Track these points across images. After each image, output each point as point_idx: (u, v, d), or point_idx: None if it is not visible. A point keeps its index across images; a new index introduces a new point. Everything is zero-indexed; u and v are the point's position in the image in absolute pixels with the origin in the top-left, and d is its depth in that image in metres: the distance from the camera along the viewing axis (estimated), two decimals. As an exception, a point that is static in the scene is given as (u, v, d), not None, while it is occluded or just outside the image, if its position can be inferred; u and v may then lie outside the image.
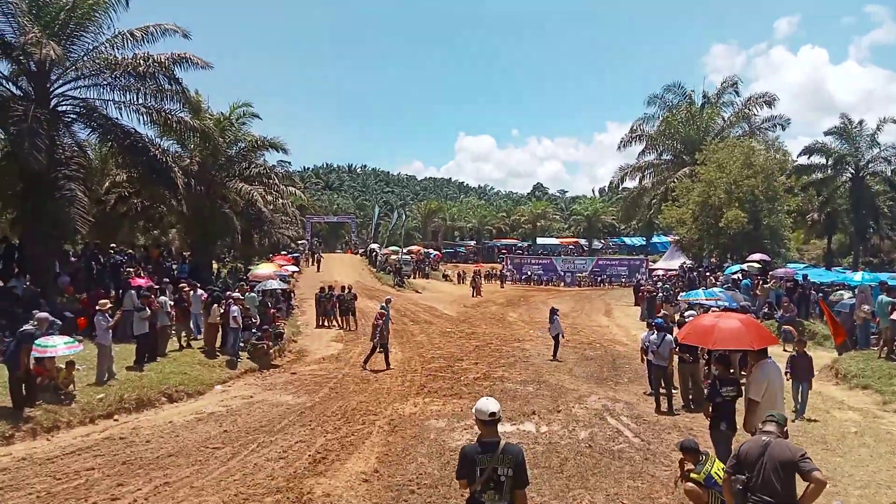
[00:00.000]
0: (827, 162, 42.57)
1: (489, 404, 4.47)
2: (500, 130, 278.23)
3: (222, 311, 15.69)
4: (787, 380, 9.75)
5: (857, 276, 19.25)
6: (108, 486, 7.57)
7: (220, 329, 15.88)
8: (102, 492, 7.38)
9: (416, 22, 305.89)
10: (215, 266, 32.36)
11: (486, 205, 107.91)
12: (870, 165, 42.06)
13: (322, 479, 7.90)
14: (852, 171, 42.23)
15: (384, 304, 16.72)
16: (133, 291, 14.13)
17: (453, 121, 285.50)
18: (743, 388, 7.73)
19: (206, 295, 16.75)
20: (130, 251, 23.47)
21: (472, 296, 37.49)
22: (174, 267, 22.78)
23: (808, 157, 42.64)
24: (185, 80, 19.07)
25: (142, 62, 17.71)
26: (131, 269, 17.65)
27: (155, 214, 28.97)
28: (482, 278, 43.78)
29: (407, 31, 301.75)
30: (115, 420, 10.57)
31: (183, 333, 16.18)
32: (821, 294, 19.41)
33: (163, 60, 18.33)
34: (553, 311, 17.49)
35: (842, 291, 19.09)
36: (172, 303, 15.66)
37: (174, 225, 32.89)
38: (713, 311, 13.23)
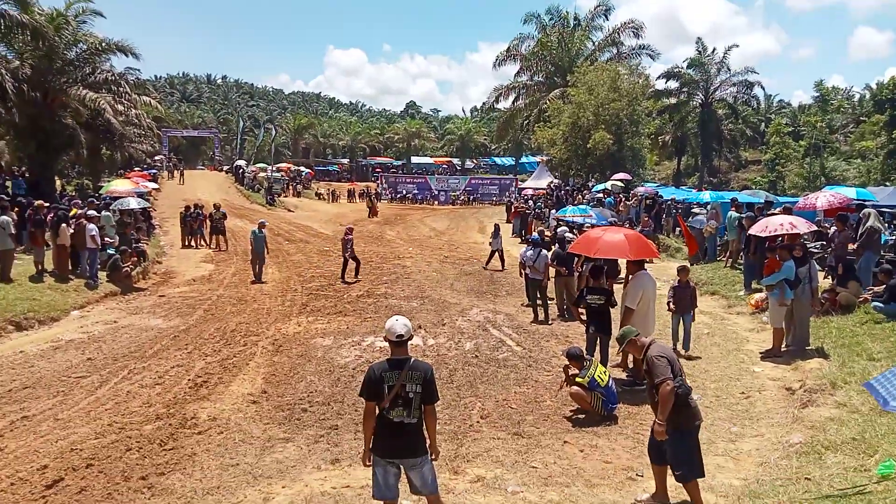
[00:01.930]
0: (680, 87, 45.59)
1: (397, 326, 4.32)
2: (372, 45, 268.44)
3: (72, 230, 14.12)
4: (669, 310, 9.51)
5: (706, 196, 21.04)
6: (-48, 425, 6.72)
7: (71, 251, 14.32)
8: (-55, 432, 6.54)
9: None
10: (59, 183, 29.03)
11: (358, 122, 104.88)
12: (716, 92, 45.63)
13: (206, 403, 7.54)
14: (702, 96, 45.60)
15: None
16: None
17: (322, 33, 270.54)
18: (611, 298, 8.50)
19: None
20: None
21: (369, 216, 35.25)
22: (6, 182, 20.10)
23: (666, 82, 45.38)
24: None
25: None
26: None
27: (-23, 123, 25.14)
28: (376, 197, 41.62)
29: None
30: (-48, 353, 9.35)
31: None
32: (676, 211, 21.10)
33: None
34: (497, 227, 18.53)
35: (696, 210, 20.87)
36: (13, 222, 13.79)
37: (3, 136, 28.81)
38: (588, 227, 13.93)
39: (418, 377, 4.27)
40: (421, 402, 4.29)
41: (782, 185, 43.92)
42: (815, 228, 13.85)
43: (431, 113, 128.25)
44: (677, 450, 4.79)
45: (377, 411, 4.29)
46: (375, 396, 4.26)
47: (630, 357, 8.06)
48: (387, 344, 4.46)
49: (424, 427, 4.37)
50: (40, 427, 6.76)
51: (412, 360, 4.36)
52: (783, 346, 9.25)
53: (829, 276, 11.77)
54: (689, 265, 9.79)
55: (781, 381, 8.14)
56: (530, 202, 28.88)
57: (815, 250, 14.12)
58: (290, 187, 48.77)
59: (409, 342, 4.41)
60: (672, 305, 9.51)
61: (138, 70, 29.56)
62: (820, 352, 8.67)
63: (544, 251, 12.33)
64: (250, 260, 16.24)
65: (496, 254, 18.04)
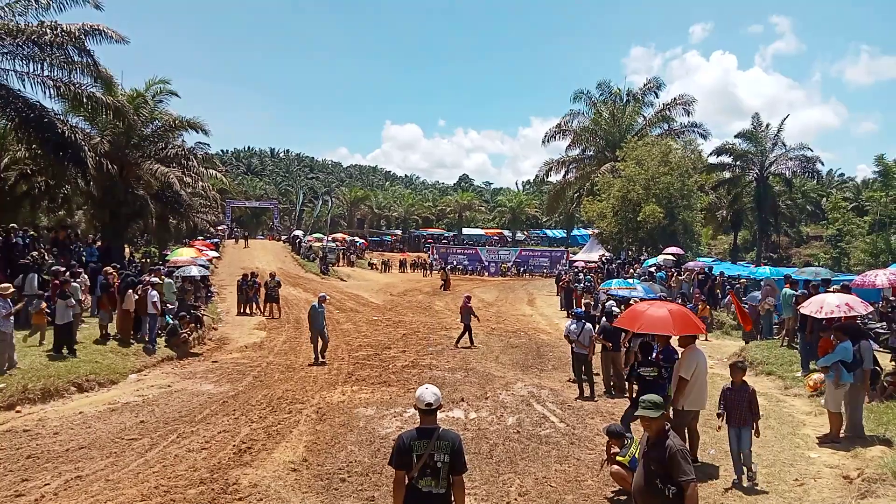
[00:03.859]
0: (734, 161, 45.23)
1: (426, 395, 4.40)
2: (427, 120, 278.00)
3: (137, 296, 14.90)
4: (720, 421, 7.55)
5: (765, 270, 20.55)
6: (12, 481, 7.05)
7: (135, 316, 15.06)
8: (4, 488, 6.86)
9: (343, 6, 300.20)
10: (128, 251, 30.75)
11: (412, 194, 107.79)
12: (772, 167, 45.03)
13: (248, 470, 7.67)
14: (757, 171, 45.05)
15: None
16: (34, 275, 13.18)
17: (380, 109, 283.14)
18: (661, 370, 8.23)
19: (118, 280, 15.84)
20: (33, 233, 21.88)
21: (442, 289, 35.09)
22: (82, 251, 21.43)
23: (717, 157, 45.12)
24: (98, 54, 18.00)
25: (48, 31, 16.60)
26: (35, 253, 16.47)
27: (59, 194, 27.16)
28: (448, 270, 41.03)
29: (334, 16, 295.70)
30: (18, 412, 9.83)
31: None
32: (730, 287, 20.62)
33: (72, 30, 17.22)
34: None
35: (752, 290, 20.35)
36: (84, 288, 14.71)
37: (81, 206, 30.98)
38: (634, 301, 13.77)
39: (446, 447, 4.31)
40: (449, 472, 4.30)
41: (846, 261, 42.37)
42: (872, 309, 13.28)
43: (484, 185, 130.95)
44: None
45: (406, 481, 4.34)
46: (405, 465, 4.31)
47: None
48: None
49: (453, 499, 4.37)
50: (91, 487, 7.02)
51: (440, 429, 4.41)
52: (842, 431, 8.78)
53: (895, 359, 11.19)
54: (745, 365, 7.78)
55: (839, 468, 7.70)
56: (580, 275, 28.70)
57: (882, 331, 13.52)
58: (344, 257, 50.04)
59: (444, 412, 4.46)
60: (723, 415, 7.47)
61: (208, 145, 31.75)
62: (883, 439, 8.19)
63: (588, 325, 12.21)
64: (310, 338, 14.78)
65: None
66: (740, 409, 7.34)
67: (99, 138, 23.28)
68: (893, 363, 10.87)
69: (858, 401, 8.74)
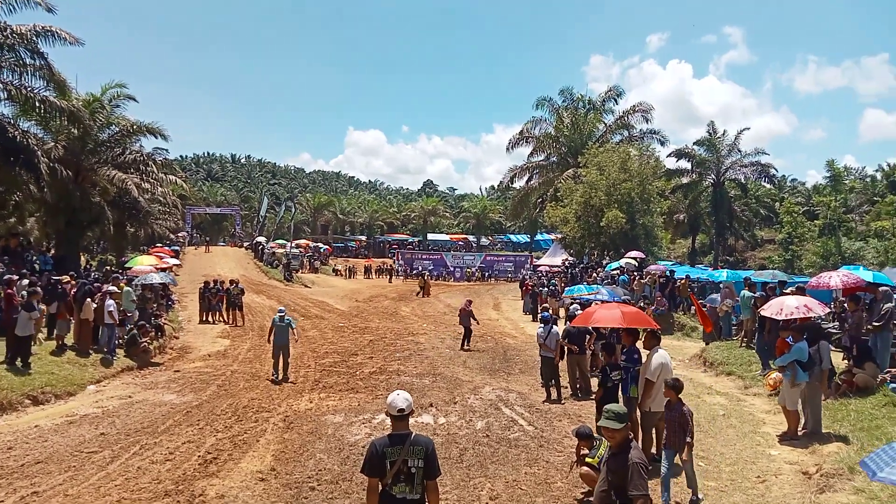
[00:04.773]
0: (692, 167, 46.44)
1: (398, 401, 4.41)
2: (390, 126, 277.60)
3: (95, 305, 14.48)
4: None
5: (724, 274, 21.09)
6: (-36, 499, 6.77)
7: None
8: (-43, 507, 6.59)
9: (303, 11, 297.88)
10: (83, 259, 29.86)
11: (376, 199, 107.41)
12: (728, 172, 46.39)
13: (215, 480, 7.51)
14: (714, 176, 46.34)
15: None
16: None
17: (342, 114, 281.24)
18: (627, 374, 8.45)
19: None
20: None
21: (419, 295, 34.38)
22: (35, 259, 20.71)
23: (676, 161, 46.27)
24: (51, 57, 17.54)
25: (-2, 32, 16.00)
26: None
27: (11, 201, 26.20)
28: (426, 277, 39.17)
29: (294, 21, 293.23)
30: (-31, 427, 9.46)
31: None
32: (690, 289, 21.10)
33: (24, 32, 16.67)
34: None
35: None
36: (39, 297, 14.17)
37: (34, 213, 29.97)
38: (596, 304, 14.01)
39: (420, 452, 4.32)
40: (423, 477, 4.31)
41: (799, 264, 43.77)
42: (829, 310, 13.75)
43: (448, 191, 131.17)
44: None
45: (380, 487, 4.32)
46: (378, 472, 4.29)
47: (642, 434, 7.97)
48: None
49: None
50: (49, 503, 6.78)
51: (413, 434, 4.41)
52: (800, 428, 9.07)
53: (846, 358, 11.61)
54: (680, 384, 6.99)
55: (798, 465, 7.94)
56: (543, 279, 29.01)
57: (834, 331, 13.98)
58: (308, 263, 49.50)
59: (413, 417, 4.46)
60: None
61: (166, 150, 31.21)
62: (839, 436, 8.48)
63: (555, 328, 12.36)
64: (272, 353, 13.55)
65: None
66: (672, 429, 6.74)
67: (53, 143, 22.60)
68: (846, 362, 11.27)
69: (817, 399, 9.04)
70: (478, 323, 19.29)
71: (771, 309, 10.39)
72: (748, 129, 45.54)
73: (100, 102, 24.23)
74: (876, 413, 8.84)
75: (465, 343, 17.65)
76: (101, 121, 24.27)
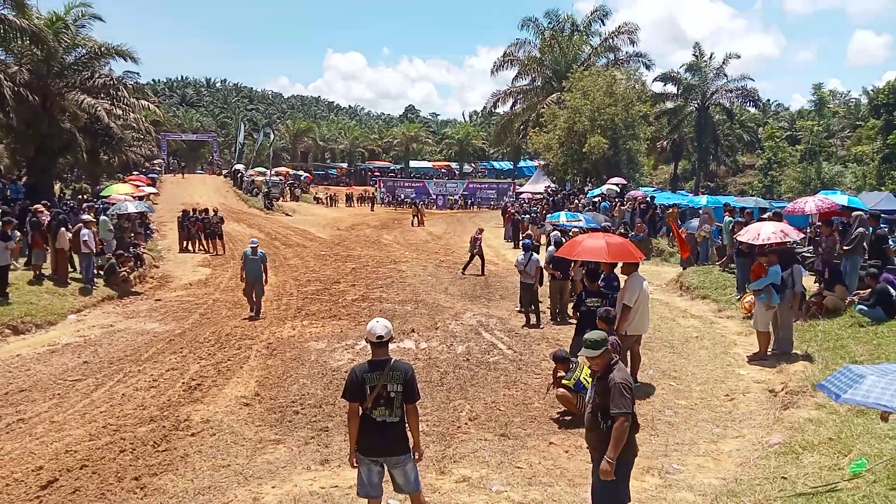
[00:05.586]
0: (678, 91, 45.82)
1: (377, 328, 4.44)
2: (371, 48, 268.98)
3: (70, 234, 14.26)
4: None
5: (703, 200, 21.16)
6: (-50, 427, 6.84)
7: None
8: (-57, 434, 6.66)
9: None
10: (57, 187, 29.20)
11: (357, 126, 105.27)
12: (714, 97, 45.85)
13: (199, 406, 7.66)
14: (699, 101, 45.80)
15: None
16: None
17: (321, 36, 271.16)
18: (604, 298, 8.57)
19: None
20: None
21: (413, 225, 33.20)
22: (7, 187, 20.23)
23: (664, 85, 45.59)
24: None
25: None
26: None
27: (-25, 128, 25.29)
28: (420, 206, 38.47)
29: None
30: (-50, 357, 9.47)
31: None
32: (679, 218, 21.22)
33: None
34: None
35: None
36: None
37: (1, 140, 28.99)
38: (574, 232, 14.10)
39: (399, 377, 4.40)
40: (403, 401, 4.41)
41: (778, 189, 44.16)
42: (804, 235, 13.96)
43: (430, 117, 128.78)
44: (608, 484, 4.34)
45: (360, 411, 4.43)
46: (358, 397, 4.39)
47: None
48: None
49: (408, 426, 4.50)
50: (36, 429, 6.89)
51: (393, 360, 4.48)
52: (769, 349, 9.38)
53: (817, 281, 11.89)
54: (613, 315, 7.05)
55: (765, 383, 8.27)
56: (525, 206, 29.00)
57: (808, 255, 14.25)
58: (289, 191, 48.94)
59: (395, 343, 4.50)
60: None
61: (137, 74, 29.94)
62: (805, 355, 8.80)
63: (535, 255, 12.45)
64: (243, 290, 12.84)
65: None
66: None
67: (17, 67, 21.57)
68: (817, 285, 11.56)
69: (789, 320, 9.31)
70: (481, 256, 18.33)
71: (748, 234, 10.55)
72: (738, 56, 44.24)
73: (63, 22, 22.97)
74: (842, 333, 9.13)
75: (475, 267, 17.82)
76: (66, 42, 23.09)
